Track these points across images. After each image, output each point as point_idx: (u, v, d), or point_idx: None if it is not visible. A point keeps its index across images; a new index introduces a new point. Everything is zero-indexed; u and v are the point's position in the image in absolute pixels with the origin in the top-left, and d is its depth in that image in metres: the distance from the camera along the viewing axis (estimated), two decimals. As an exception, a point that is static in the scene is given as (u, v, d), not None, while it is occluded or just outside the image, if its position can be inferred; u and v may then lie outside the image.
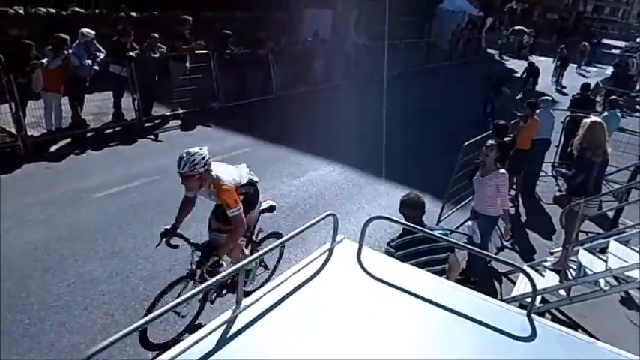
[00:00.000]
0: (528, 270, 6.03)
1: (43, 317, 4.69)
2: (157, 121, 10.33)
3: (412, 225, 3.64)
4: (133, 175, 7.74)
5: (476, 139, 7.41)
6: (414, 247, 3.99)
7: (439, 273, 3.94)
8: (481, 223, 6.01)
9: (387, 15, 22.65)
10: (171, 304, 1.78)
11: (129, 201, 6.99)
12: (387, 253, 3.93)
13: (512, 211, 8.36)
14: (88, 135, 9.18)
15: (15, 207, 6.37)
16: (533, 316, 2.28)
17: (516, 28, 34.39)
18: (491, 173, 5.73)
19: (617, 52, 38.37)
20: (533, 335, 2.16)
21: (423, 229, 3.83)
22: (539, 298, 5.57)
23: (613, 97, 10.24)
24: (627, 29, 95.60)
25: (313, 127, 11.24)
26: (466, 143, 7.17)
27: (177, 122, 10.51)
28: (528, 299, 5.37)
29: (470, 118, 12.94)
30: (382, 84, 16.53)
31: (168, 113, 10.60)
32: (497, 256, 5.49)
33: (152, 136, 9.62)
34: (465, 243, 6.78)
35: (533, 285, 2.53)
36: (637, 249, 5.58)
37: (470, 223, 6.43)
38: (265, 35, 12.90)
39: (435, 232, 3.90)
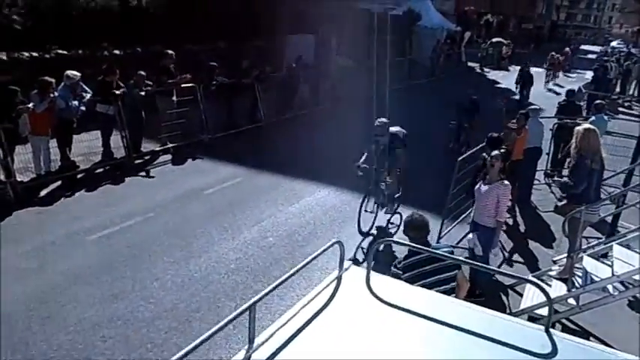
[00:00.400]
0: (537, 282, 5.99)
1: (45, 369, 4.54)
2: (147, 158, 10.25)
3: (418, 246, 3.61)
4: (126, 213, 7.62)
5: (468, 153, 7.45)
6: (421, 267, 3.95)
7: (448, 292, 3.90)
8: (482, 234, 5.99)
9: (368, 36, 22.96)
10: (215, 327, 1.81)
11: (124, 241, 6.86)
12: (394, 275, 3.88)
13: (510, 221, 8.37)
14: (79, 176, 9.06)
15: (8, 255, 6.21)
16: (551, 330, 2.23)
17: (494, 40, 35.09)
18: (494, 184, 5.73)
19: (593, 57, 39.20)
20: (554, 351, 2.11)
21: (429, 249, 3.79)
22: (547, 309, 5.50)
23: (599, 101, 10.35)
24: (601, 34, 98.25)
25: (304, 152, 11.23)
26: (460, 158, 7.18)
27: (168, 157, 10.44)
28: (537, 311, 5.35)
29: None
30: (368, 103, 16.63)
31: (157, 148, 10.53)
32: (503, 270, 5.43)
33: (143, 173, 9.53)
34: (467, 257, 6.77)
35: (549, 298, 2.49)
36: (640, 251, 5.57)
37: (470, 235, 6.41)
38: (249, 64, 12.97)
39: (441, 251, 3.87)
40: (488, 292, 6.07)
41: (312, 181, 9.48)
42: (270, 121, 13.09)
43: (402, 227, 4.37)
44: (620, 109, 19.65)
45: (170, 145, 10.65)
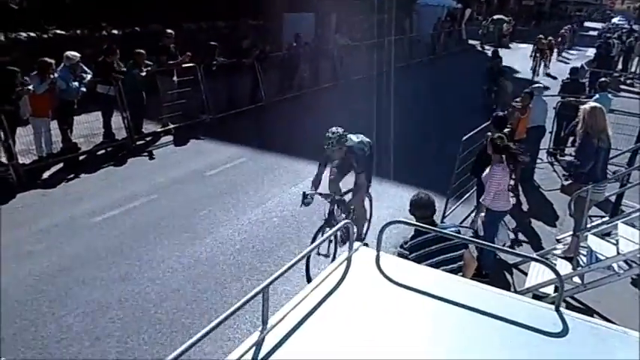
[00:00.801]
0: (545, 261, 6.03)
1: (55, 351, 4.57)
2: (148, 139, 10.20)
3: (426, 226, 3.61)
4: (129, 195, 7.61)
5: (473, 132, 7.40)
6: (428, 247, 3.95)
7: (455, 271, 3.91)
8: (485, 216, 6.01)
9: (368, 14, 22.71)
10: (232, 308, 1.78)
11: (129, 222, 6.87)
12: (401, 255, 3.89)
13: (513, 200, 8.36)
14: (80, 158, 9.01)
15: (13, 238, 6.22)
16: (561, 309, 2.24)
17: (495, 17, 34.66)
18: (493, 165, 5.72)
19: (594, 33, 38.87)
20: (565, 330, 2.12)
21: (437, 229, 3.79)
22: (552, 287, 5.55)
23: (603, 79, 10.27)
24: (602, 10, 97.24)
25: (306, 132, 11.16)
26: (464, 138, 7.14)
27: (169, 138, 10.38)
28: (542, 289, 5.37)
29: (465, 107, 12.96)
30: (370, 82, 16.58)
31: (159, 129, 10.47)
32: (509, 249, 5.42)
33: (145, 154, 9.49)
34: (471, 236, 6.79)
35: (559, 276, 2.50)
36: (645, 230, 5.59)
37: (474, 216, 6.42)
38: (250, 43, 12.81)
39: (447, 231, 3.87)
40: (492, 272, 6.11)
41: (313, 161, 9.35)
42: (271, 101, 13.00)
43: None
44: (622, 86, 19.53)
45: (171, 126, 10.59)
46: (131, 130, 9.64)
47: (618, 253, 5.11)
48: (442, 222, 7.31)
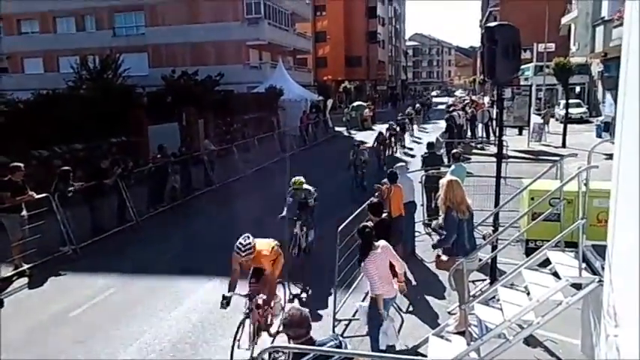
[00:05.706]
0: (435, 340, 5.88)
1: None
2: (-4, 286, 8.84)
3: (303, 346, 3.29)
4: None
5: (348, 220, 7.38)
6: None
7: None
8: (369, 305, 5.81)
9: (235, 117, 23.13)
10: None
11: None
12: None
13: (401, 278, 8.33)
14: None
15: None
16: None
17: (355, 104, 37.56)
18: None
19: (443, 107, 43.58)
20: None
21: (314, 347, 3.43)
22: (453, 366, 5.36)
23: (455, 151, 11.13)
24: (445, 86, 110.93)
25: (183, 245, 10.55)
26: (340, 227, 7.05)
27: (25, 280, 9.10)
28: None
29: (339, 192, 13.22)
30: (245, 182, 16.54)
31: (9, 274, 9.16)
32: (391, 355, 5.03)
33: (-7, 305, 8.15)
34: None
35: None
36: (523, 289, 5.74)
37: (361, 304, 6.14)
38: (109, 162, 12.12)
39: (327, 347, 3.53)
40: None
41: (193, 276, 8.81)
42: (141, 218, 12.21)
43: None
44: (475, 151, 21.57)
45: (25, 267, 9.33)
46: (-28, 281, 8.30)
47: (505, 320, 5.11)
48: (334, 317, 7.01)
